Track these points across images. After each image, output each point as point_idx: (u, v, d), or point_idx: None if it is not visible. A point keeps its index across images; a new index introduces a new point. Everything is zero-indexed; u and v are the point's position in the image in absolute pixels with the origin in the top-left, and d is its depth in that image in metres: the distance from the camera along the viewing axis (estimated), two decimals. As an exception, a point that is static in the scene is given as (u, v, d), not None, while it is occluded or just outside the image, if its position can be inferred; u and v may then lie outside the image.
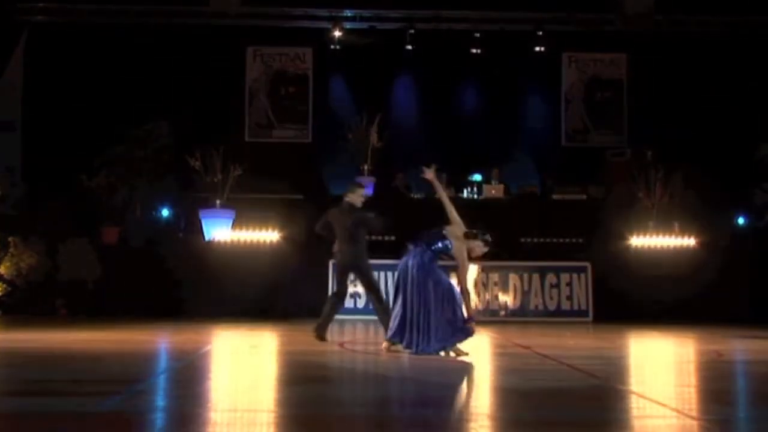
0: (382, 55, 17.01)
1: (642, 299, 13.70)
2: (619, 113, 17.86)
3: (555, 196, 15.84)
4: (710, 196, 14.80)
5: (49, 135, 15.98)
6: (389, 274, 12.46)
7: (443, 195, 8.67)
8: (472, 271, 12.43)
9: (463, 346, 8.34)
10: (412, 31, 16.95)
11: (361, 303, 13.25)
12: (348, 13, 17.09)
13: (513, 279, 14.06)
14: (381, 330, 9.26)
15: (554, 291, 14.04)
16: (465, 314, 8.33)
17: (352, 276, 10.12)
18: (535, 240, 14.92)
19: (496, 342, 10.18)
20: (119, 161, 14.73)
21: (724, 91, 16.41)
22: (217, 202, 14.34)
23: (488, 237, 8.51)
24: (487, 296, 13.98)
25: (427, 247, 8.38)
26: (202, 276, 13.80)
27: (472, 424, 5.08)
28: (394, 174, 16.06)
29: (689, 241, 14.54)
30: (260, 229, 14.34)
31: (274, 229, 14.36)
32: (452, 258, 8.43)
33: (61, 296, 13.78)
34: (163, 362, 8.60)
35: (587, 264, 14.14)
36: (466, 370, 7.69)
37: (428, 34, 17.00)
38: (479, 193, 15.87)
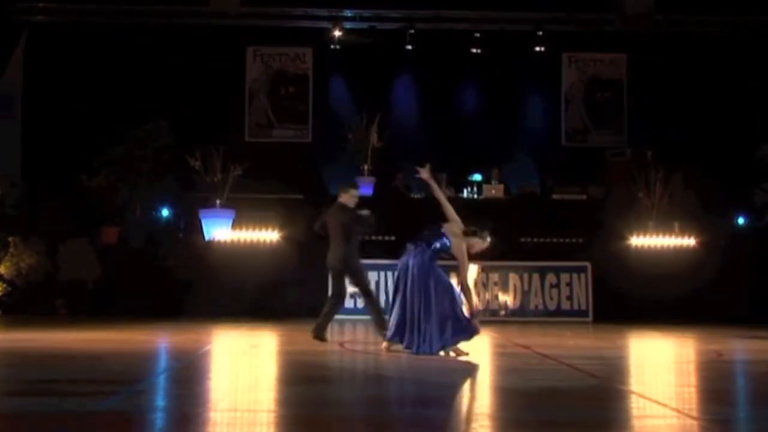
0: (382, 55, 17.01)
1: (642, 299, 13.69)
2: (619, 113, 17.85)
3: (555, 196, 15.84)
4: (710, 196, 14.80)
5: (49, 135, 15.97)
6: (389, 273, 12.48)
7: (440, 193, 8.68)
8: (472, 271, 12.43)
9: (463, 345, 8.35)
10: (412, 31, 16.95)
11: (361, 303, 13.22)
12: (348, 13, 17.09)
13: (513, 279, 14.06)
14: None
15: (554, 291, 14.04)
16: (466, 313, 8.35)
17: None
18: (535, 240, 14.92)
19: (496, 342, 10.17)
20: (119, 161, 14.73)
21: (724, 91, 16.41)
22: (217, 202, 14.34)
23: (487, 233, 8.53)
24: (487, 296, 13.98)
25: (427, 247, 8.38)
26: (202, 276, 13.80)
27: (472, 424, 5.08)
28: (394, 174, 16.06)
29: (689, 241, 14.54)
30: (260, 229, 14.34)
31: (274, 229, 14.36)
32: (452, 256, 8.44)
33: (61, 296, 13.78)
34: (163, 362, 8.61)
35: (587, 264, 14.15)
36: (466, 370, 7.70)
37: (428, 34, 17.00)
38: (479, 193, 15.87)
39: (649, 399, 5.90)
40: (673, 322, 12.86)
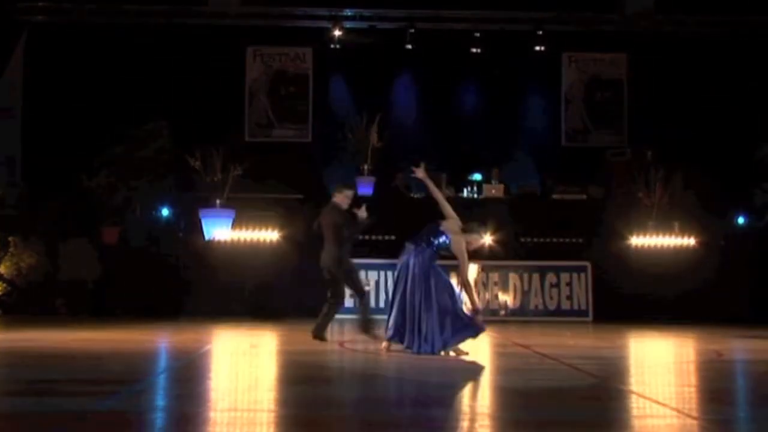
0: (382, 55, 17.00)
1: (642, 299, 13.70)
2: (619, 113, 17.84)
3: (555, 196, 15.84)
4: (710, 196, 14.81)
5: (49, 135, 15.97)
6: (389, 273, 12.48)
7: (436, 191, 8.70)
8: (472, 270, 12.44)
9: (463, 345, 8.36)
10: (412, 30, 16.94)
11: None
12: (348, 12, 17.08)
13: (513, 279, 14.06)
14: (381, 330, 9.23)
15: (554, 291, 14.05)
16: (467, 311, 8.37)
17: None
18: (535, 240, 14.93)
19: (496, 341, 10.17)
20: (119, 161, 14.73)
21: (724, 91, 16.40)
22: (217, 202, 14.34)
23: (481, 227, 8.57)
24: (487, 296, 13.98)
25: (428, 245, 8.39)
26: (202, 276, 13.81)
27: (472, 424, 5.08)
28: (394, 174, 16.05)
29: (689, 241, 14.55)
30: (260, 229, 14.35)
31: (274, 229, 14.36)
32: (452, 253, 8.44)
33: (61, 296, 13.79)
34: (163, 362, 8.61)
35: (587, 264, 14.16)
36: (466, 369, 7.70)
37: (428, 34, 16.99)
38: (479, 193, 15.87)
39: (649, 399, 5.90)
40: (673, 322, 12.87)
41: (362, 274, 13.50)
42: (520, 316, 13.92)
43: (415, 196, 15.56)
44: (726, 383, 7.33)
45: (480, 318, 8.49)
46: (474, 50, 17.16)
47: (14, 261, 13.92)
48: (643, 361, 9.32)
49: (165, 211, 15.37)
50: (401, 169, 15.89)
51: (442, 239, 8.37)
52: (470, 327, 8.31)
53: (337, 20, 16.97)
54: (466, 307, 8.65)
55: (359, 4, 17.01)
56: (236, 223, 14.38)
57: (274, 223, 14.37)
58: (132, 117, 15.14)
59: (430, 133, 16.89)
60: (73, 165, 14.53)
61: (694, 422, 5.10)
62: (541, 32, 17.10)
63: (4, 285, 13.89)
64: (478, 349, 8.82)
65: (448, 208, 8.57)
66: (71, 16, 16.64)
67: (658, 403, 5.73)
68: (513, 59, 17.18)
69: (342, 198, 9.83)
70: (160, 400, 6.00)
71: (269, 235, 14.34)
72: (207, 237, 14.32)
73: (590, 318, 13.96)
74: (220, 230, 14.29)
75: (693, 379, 7.50)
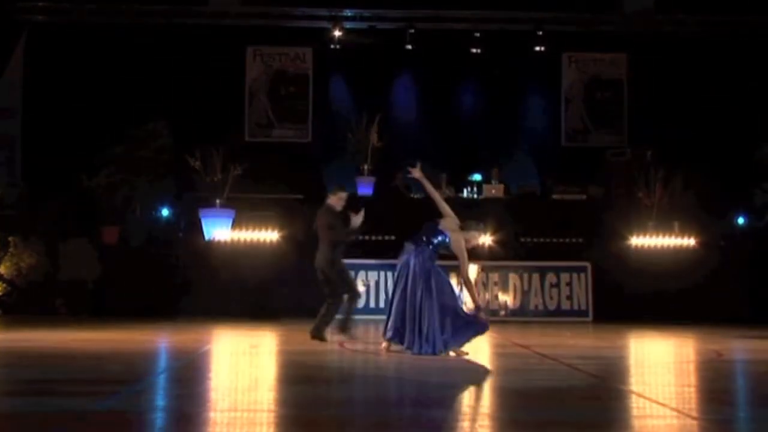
0: (382, 55, 17.00)
1: (642, 299, 13.70)
2: (619, 113, 17.84)
3: (555, 196, 15.83)
4: (710, 196, 14.80)
5: (50, 134, 15.96)
6: (389, 273, 12.47)
7: (432, 190, 8.71)
8: (472, 270, 12.43)
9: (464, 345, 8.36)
10: (412, 30, 16.93)
11: (360, 303, 13.21)
12: (348, 12, 17.07)
13: (513, 279, 14.06)
14: (381, 330, 9.22)
15: (554, 291, 14.05)
16: (467, 310, 8.37)
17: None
18: (535, 240, 14.92)
19: (496, 342, 10.17)
20: (119, 161, 14.72)
21: (724, 91, 16.40)
22: (217, 202, 14.34)
23: (482, 225, 8.59)
24: (487, 296, 13.98)
25: (428, 244, 8.39)
26: (202, 276, 13.82)
27: (472, 424, 5.08)
28: (394, 174, 16.04)
29: (689, 241, 14.55)
30: (260, 229, 14.35)
31: (273, 229, 14.36)
32: (451, 252, 8.44)
33: (61, 296, 13.79)
34: (162, 362, 8.61)
35: (587, 264, 14.16)
36: (466, 369, 7.70)
37: (428, 34, 16.98)
38: (479, 192, 15.87)
39: (649, 399, 5.91)
40: (673, 322, 12.87)
41: (362, 274, 13.65)
42: (520, 316, 13.92)
43: (415, 196, 15.54)
44: (726, 383, 7.33)
45: (483, 315, 8.49)
46: (474, 50, 17.15)
47: (14, 261, 13.91)
48: (643, 361, 9.33)
49: (165, 211, 15.37)
50: (401, 169, 15.89)
51: (441, 238, 8.38)
52: (472, 325, 8.31)
53: (337, 20, 16.96)
54: (467, 306, 8.65)
55: (359, 5, 17.00)
56: (236, 223, 14.38)
57: (273, 223, 14.37)
58: (132, 117, 15.14)
59: (430, 133, 16.89)
60: (73, 165, 14.53)
61: (694, 422, 5.10)
62: (541, 32, 17.09)
63: (4, 285, 13.88)
64: (478, 349, 8.82)
65: (445, 207, 8.58)
66: (71, 16, 16.63)
67: (658, 403, 5.73)
68: (513, 59, 17.18)
69: (336, 200, 9.84)
70: (160, 400, 6.01)
71: (269, 235, 14.34)
72: (207, 237, 14.32)
73: (590, 318, 13.96)
74: (220, 230, 14.29)
75: (693, 379, 7.50)
